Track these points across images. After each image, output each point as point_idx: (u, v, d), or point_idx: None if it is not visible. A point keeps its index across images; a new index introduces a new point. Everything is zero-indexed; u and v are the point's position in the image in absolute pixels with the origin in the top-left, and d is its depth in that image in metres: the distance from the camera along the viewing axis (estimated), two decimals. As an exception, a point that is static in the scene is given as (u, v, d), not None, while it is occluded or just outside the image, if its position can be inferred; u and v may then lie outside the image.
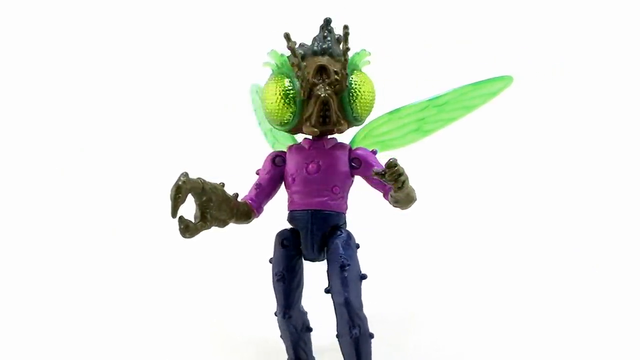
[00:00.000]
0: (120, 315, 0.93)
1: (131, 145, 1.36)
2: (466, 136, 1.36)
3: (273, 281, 0.72)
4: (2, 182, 1.33)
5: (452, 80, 0.82)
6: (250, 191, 0.71)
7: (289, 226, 0.74)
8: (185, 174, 0.58)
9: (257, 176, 0.72)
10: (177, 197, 0.57)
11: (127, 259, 1.15)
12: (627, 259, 1.16)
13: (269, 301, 0.75)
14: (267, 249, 0.75)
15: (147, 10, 1.45)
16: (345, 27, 0.68)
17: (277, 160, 0.72)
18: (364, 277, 0.69)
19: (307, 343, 0.76)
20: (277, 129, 0.73)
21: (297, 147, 0.72)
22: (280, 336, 0.75)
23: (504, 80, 0.80)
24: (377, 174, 0.66)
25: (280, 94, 0.68)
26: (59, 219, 1.27)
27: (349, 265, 0.68)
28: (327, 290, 0.69)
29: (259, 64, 0.72)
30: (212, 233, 1.18)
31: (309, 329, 0.75)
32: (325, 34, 0.71)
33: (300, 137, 0.77)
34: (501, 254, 1.18)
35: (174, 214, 0.58)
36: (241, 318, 0.91)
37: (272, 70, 0.71)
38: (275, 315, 0.74)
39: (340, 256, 0.69)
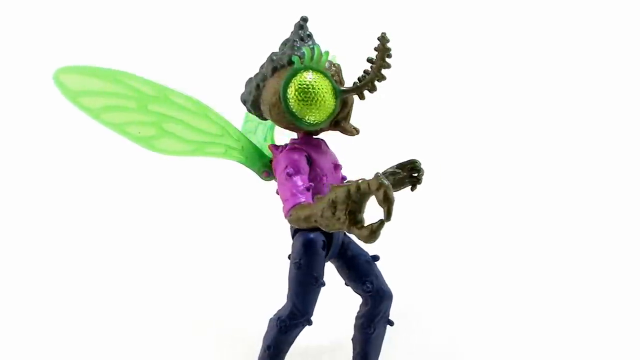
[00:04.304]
0: (119, 315, 0.93)
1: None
2: (467, 134, 1.37)
3: (310, 287, 0.65)
4: (1, 182, 1.33)
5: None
6: (304, 194, 0.62)
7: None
8: (382, 174, 0.52)
9: (290, 177, 0.64)
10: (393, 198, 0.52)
11: (125, 259, 1.14)
12: (627, 258, 1.15)
13: (264, 302, 0.73)
14: (259, 249, 0.72)
15: (146, 11, 1.45)
16: (383, 35, 0.63)
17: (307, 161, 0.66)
18: None
19: None
20: (295, 128, 0.66)
21: (314, 145, 0.67)
22: (269, 346, 0.66)
23: None
24: (392, 174, 0.68)
25: (325, 91, 0.64)
26: (59, 220, 1.26)
27: (377, 258, 0.69)
28: (367, 288, 0.68)
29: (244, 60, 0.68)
30: (210, 234, 1.20)
31: None
32: (308, 32, 0.67)
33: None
34: (500, 252, 1.17)
35: (390, 217, 0.51)
36: (237, 318, 0.90)
37: (292, 65, 0.64)
38: (283, 322, 0.65)
39: (364, 251, 0.69)
